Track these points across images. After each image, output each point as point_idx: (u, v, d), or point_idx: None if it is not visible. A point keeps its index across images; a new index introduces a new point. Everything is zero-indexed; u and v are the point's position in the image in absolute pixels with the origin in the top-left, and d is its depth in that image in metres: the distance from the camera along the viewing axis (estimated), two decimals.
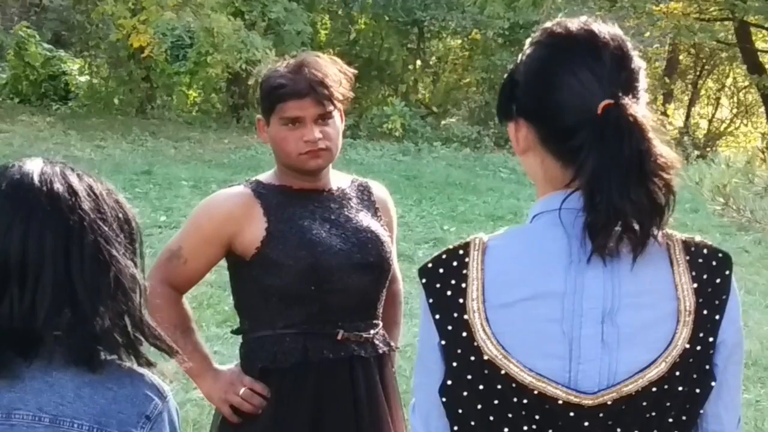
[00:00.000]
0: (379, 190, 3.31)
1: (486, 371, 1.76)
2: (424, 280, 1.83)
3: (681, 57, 27.76)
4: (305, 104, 3.02)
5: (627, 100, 1.76)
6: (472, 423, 1.80)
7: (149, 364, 1.87)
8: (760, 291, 9.85)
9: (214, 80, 21.64)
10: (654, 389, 1.75)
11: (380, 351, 3.14)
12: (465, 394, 1.79)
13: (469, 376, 1.78)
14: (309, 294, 3.02)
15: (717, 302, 1.80)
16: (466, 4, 21.03)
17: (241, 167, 14.69)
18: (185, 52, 21.81)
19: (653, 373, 1.75)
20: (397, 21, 22.10)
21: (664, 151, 1.75)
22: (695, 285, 1.79)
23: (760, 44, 22.88)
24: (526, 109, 1.85)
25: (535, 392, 1.74)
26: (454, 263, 1.81)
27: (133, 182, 13.30)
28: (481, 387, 1.77)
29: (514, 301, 1.77)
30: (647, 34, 22.23)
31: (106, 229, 1.83)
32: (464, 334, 1.77)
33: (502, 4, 20.37)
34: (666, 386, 1.76)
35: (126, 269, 1.83)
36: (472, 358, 1.77)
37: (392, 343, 3.20)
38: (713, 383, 1.80)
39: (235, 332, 3.22)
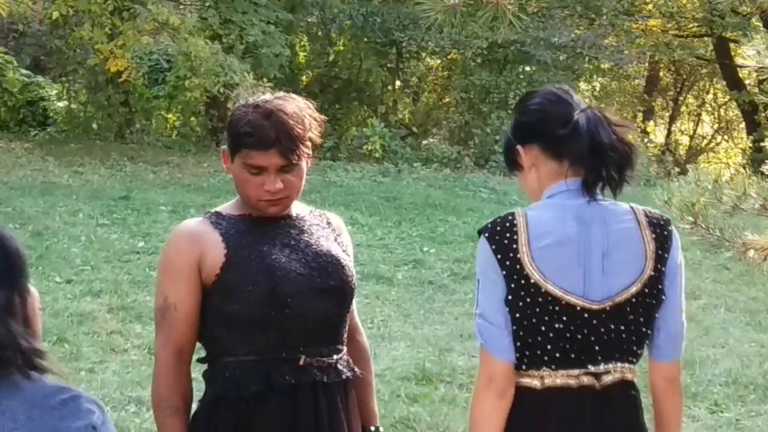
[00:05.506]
0: (337, 219, 3.31)
1: (532, 290, 2.75)
2: (486, 234, 2.80)
3: (661, 74, 27.91)
4: (270, 155, 2.99)
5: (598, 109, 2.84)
6: (525, 323, 2.74)
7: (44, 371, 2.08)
8: (740, 308, 9.80)
9: (193, 104, 21.59)
10: (633, 300, 2.79)
11: (344, 376, 3.11)
12: (520, 304, 2.75)
13: (522, 293, 2.75)
14: (270, 320, 2.99)
15: (666, 245, 2.85)
16: (443, 25, 21.01)
17: (220, 191, 14.60)
18: (163, 76, 21.78)
19: (633, 290, 2.79)
20: (375, 42, 22.09)
21: (619, 129, 2.82)
22: (653, 235, 2.84)
23: (739, 60, 22.96)
24: (524, 136, 2.91)
25: (563, 302, 2.75)
26: (507, 223, 2.79)
27: (111, 208, 13.21)
28: (529, 300, 2.75)
29: (548, 245, 2.76)
30: (626, 51, 22.31)
31: None
32: (518, 266, 2.75)
33: (484, 25, 20.36)
34: (639, 299, 2.80)
35: None
36: (523, 282, 2.75)
37: (356, 369, 3.16)
38: (663, 297, 2.84)
39: (200, 360, 3.17)
